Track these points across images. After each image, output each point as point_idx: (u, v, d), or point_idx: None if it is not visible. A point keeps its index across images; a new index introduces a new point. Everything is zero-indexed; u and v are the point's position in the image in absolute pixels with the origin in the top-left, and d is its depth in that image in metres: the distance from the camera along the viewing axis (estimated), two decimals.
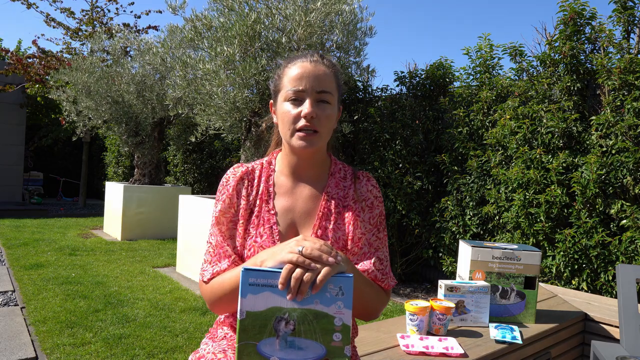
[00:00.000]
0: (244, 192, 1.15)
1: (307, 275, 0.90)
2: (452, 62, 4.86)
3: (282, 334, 0.90)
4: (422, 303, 1.59)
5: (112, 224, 6.94)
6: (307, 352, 0.91)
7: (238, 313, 0.89)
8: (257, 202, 1.15)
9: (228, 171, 1.19)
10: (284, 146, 1.18)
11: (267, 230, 1.12)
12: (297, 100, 1.08)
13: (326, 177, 1.19)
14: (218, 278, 1.10)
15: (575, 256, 3.30)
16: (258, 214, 1.14)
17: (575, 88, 3.61)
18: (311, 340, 0.91)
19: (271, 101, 1.20)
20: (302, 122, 1.07)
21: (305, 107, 1.07)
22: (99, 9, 10.37)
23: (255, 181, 1.17)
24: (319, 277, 0.90)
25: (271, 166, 1.20)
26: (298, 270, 0.90)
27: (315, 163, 1.17)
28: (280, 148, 1.23)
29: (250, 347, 0.90)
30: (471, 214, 4.16)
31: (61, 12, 10.16)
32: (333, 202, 1.16)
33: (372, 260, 1.14)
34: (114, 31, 8.95)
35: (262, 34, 3.99)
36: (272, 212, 1.14)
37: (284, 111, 1.10)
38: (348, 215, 1.15)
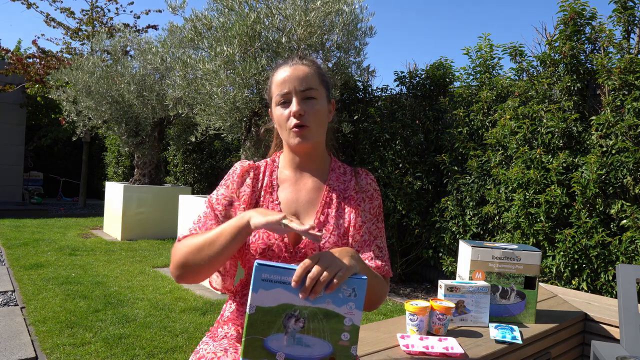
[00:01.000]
0: (248, 182, 1.22)
1: (324, 275, 0.90)
2: (452, 62, 4.86)
3: (290, 331, 0.90)
4: (422, 303, 1.59)
5: (112, 224, 6.94)
6: (314, 350, 0.91)
7: (247, 307, 0.89)
8: (262, 193, 1.22)
9: (236, 163, 1.27)
10: (285, 147, 1.26)
11: None
12: (285, 102, 1.18)
13: (327, 172, 1.27)
14: (191, 237, 1.12)
15: (575, 256, 3.30)
16: (262, 204, 1.20)
17: (575, 88, 3.61)
18: (319, 338, 0.91)
19: (270, 109, 1.28)
20: (293, 121, 1.15)
21: (293, 106, 1.16)
22: (99, 9, 10.37)
23: (261, 175, 1.25)
24: (336, 279, 0.90)
25: (275, 163, 1.28)
26: (315, 270, 0.90)
27: (316, 159, 1.25)
28: (282, 150, 1.30)
29: (257, 342, 0.89)
30: (471, 214, 4.16)
31: (61, 12, 10.17)
32: (335, 193, 1.23)
33: (372, 248, 1.20)
34: (114, 31, 8.95)
35: (262, 33, 3.99)
36: (276, 202, 1.20)
37: (277, 115, 1.20)
38: (349, 205, 1.22)
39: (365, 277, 0.93)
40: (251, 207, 1.19)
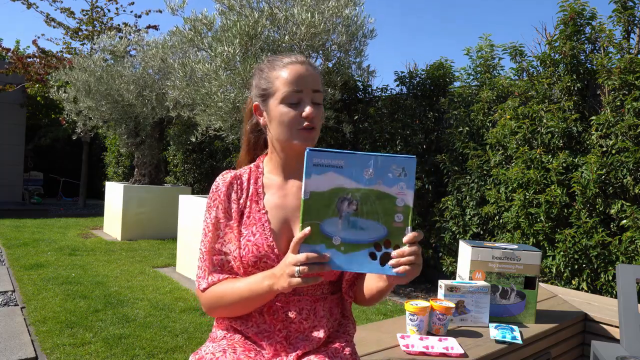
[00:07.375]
0: (234, 196, 1.17)
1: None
2: (452, 62, 4.87)
3: (344, 214, 0.92)
4: (422, 303, 1.59)
5: (112, 224, 6.94)
6: (369, 233, 0.92)
7: (302, 193, 0.91)
8: (248, 203, 1.16)
9: (217, 178, 1.20)
10: (270, 148, 1.19)
11: (259, 228, 1.12)
12: (295, 101, 1.11)
13: None
14: (224, 286, 1.11)
15: (575, 256, 3.30)
16: (249, 214, 1.15)
17: (575, 88, 3.61)
18: (373, 221, 0.92)
19: (255, 104, 1.19)
20: (304, 122, 1.11)
21: (307, 108, 1.11)
22: (99, 9, 10.37)
23: (245, 184, 1.18)
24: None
25: (259, 169, 1.21)
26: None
27: (303, 158, 1.19)
28: (265, 153, 1.24)
29: (313, 227, 0.91)
30: (471, 214, 4.16)
31: (61, 12, 10.15)
32: None
33: None
34: (116, 31, 8.95)
35: (263, 33, 3.99)
36: (263, 210, 1.15)
37: (282, 113, 1.11)
38: None
39: (413, 156, 0.93)
40: (240, 218, 1.15)
